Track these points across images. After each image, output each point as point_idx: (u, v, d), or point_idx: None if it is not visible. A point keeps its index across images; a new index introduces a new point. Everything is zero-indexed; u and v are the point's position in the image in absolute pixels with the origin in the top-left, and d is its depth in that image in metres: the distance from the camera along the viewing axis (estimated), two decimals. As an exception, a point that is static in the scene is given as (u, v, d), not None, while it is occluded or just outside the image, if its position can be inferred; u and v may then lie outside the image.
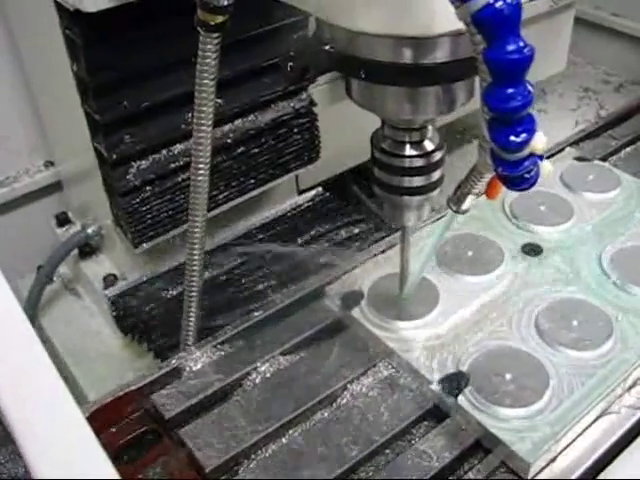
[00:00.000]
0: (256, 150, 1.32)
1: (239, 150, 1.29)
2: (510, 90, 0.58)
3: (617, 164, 1.36)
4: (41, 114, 1.49)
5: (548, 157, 1.31)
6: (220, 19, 0.84)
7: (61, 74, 1.16)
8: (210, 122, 0.94)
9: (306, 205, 1.54)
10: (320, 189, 1.57)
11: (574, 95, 2.16)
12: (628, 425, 0.87)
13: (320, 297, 1.07)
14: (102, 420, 0.92)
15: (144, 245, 1.27)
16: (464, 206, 0.85)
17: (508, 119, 0.60)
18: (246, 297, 1.31)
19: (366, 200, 1.69)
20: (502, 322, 0.99)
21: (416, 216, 0.90)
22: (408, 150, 0.83)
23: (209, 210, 1.02)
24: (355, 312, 1.03)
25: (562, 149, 1.36)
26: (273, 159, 1.35)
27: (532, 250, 1.11)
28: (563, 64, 1.98)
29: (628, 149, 1.41)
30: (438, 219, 1.15)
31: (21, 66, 1.43)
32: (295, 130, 1.36)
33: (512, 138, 0.61)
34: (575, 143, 1.41)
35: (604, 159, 1.36)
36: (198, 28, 0.86)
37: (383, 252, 1.13)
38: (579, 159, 1.32)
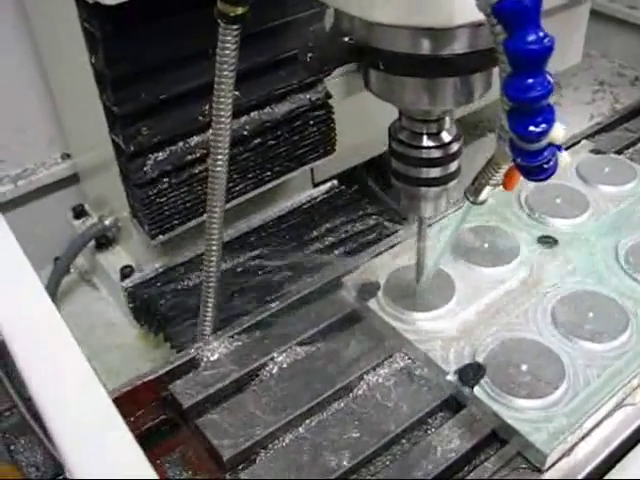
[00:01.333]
0: (272, 142, 1.32)
1: (255, 142, 1.30)
2: (530, 80, 0.58)
3: (633, 157, 1.35)
4: (58, 107, 1.50)
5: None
6: (240, 10, 0.84)
7: (79, 67, 1.17)
8: (229, 114, 0.94)
9: (321, 197, 1.55)
10: (335, 182, 1.58)
11: (589, 89, 2.15)
12: (645, 416, 0.88)
13: (337, 288, 1.08)
14: (120, 409, 0.92)
15: (161, 237, 1.28)
16: (481, 197, 0.85)
17: (528, 109, 0.60)
18: (263, 288, 1.31)
19: (381, 192, 1.69)
20: (518, 314, 0.99)
21: (433, 207, 0.90)
22: (425, 141, 0.83)
23: (226, 202, 1.03)
24: (371, 303, 1.03)
25: (578, 142, 1.36)
26: (289, 152, 1.36)
27: (548, 242, 1.11)
28: (579, 57, 1.98)
29: (644, 142, 1.41)
30: (455, 211, 1.15)
31: (39, 60, 1.44)
32: (311, 123, 1.36)
33: (531, 128, 0.61)
34: (591, 136, 1.40)
35: (620, 152, 1.35)
36: (218, 20, 0.86)
37: (399, 244, 1.13)
38: (595, 152, 1.32)
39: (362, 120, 1.42)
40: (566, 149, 1.30)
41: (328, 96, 1.37)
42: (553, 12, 1.74)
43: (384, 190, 1.69)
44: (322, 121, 1.37)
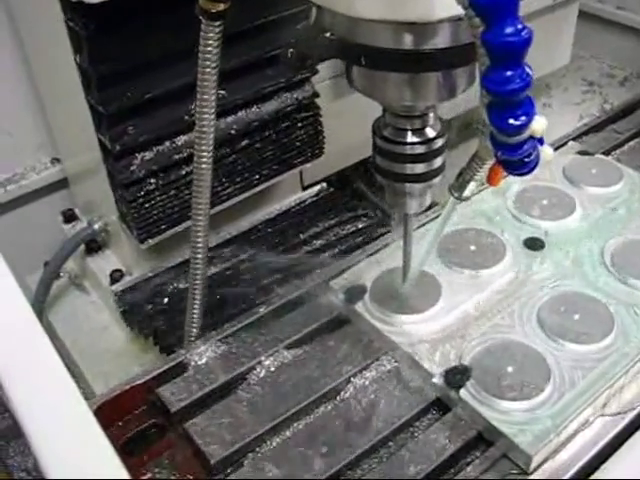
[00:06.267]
0: (260, 145, 1.32)
1: (243, 144, 1.30)
2: (508, 73, 0.58)
3: (620, 158, 1.36)
4: (46, 110, 1.50)
5: (551, 151, 1.31)
6: (221, 7, 0.84)
7: (65, 66, 1.16)
8: (213, 111, 0.94)
9: (310, 200, 1.55)
10: (324, 184, 1.58)
11: (578, 89, 2.16)
12: (629, 418, 0.88)
13: (324, 291, 1.08)
14: (108, 414, 0.93)
15: (150, 241, 1.27)
16: (466, 193, 0.85)
17: (507, 102, 0.61)
18: (252, 291, 1.31)
19: (371, 195, 1.70)
20: (504, 316, 1.00)
21: (418, 203, 0.90)
22: (410, 137, 0.83)
23: (214, 206, 1.03)
24: (358, 306, 1.03)
25: (565, 143, 1.37)
26: (277, 154, 1.36)
27: (534, 244, 1.11)
28: (567, 58, 1.98)
29: (631, 143, 1.42)
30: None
31: (26, 63, 1.44)
32: (299, 125, 1.36)
33: (511, 121, 0.61)
34: (578, 137, 1.41)
35: (607, 153, 1.36)
36: (199, 17, 0.85)
37: (386, 246, 1.14)
38: (582, 153, 1.32)
39: (351, 122, 1.41)
40: (554, 150, 1.31)
41: (316, 95, 1.36)
42: (541, 13, 1.75)
43: (374, 192, 1.69)
44: (310, 123, 1.37)
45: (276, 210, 1.51)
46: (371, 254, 1.13)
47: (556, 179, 1.25)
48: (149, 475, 0.89)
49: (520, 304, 1.01)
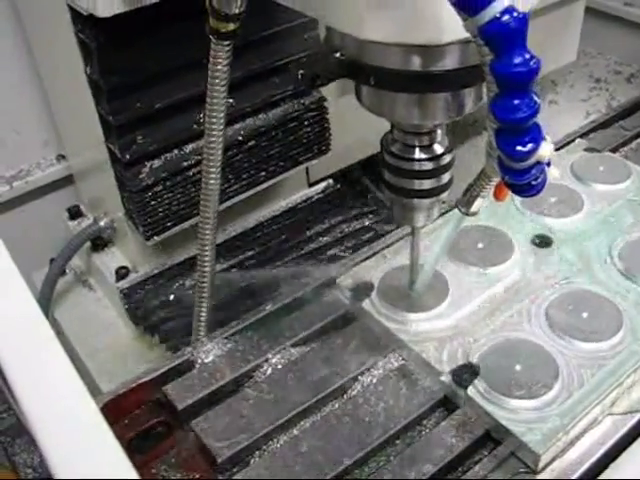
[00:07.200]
0: (267, 144, 1.32)
1: (250, 144, 1.30)
2: (516, 101, 0.59)
3: (628, 155, 1.35)
4: (53, 110, 1.50)
5: (558, 148, 1.31)
6: (232, 27, 0.85)
7: (74, 76, 1.17)
8: (222, 126, 0.95)
9: (317, 197, 1.55)
10: (331, 181, 1.58)
11: (585, 86, 2.15)
12: (638, 417, 0.88)
13: (331, 289, 1.08)
14: (115, 411, 0.93)
15: (155, 238, 1.27)
16: (473, 208, 0.86)
17: (515, 129, 0.61)
18: (258, 288, 1.31)
19: (377, 191, 1.69)
20: (512, 314, 0.99)
21: (426, 217, 0.91)
22: (418, 154, 0.84)
23: (220, 203, 1.03)
24: (365, 304, 1.03)
25: (572, 140, 1.36)
26: (283, 152, 1.36)
27: (542, 242, 1.11)
28: (574, 55, 1.97)
29: (639, 140, 1.41)
30: (447, 211, 1.15)
31: (34, 62, 1.44)
32: (305, 123, 1.36)
33: (519, 148, 0.62)
34: (585, 134, 1.40)
35: (614, 150, 1.35)
36: (209, 36, 0.86)
37: (393, 244, 1.13)
38: (589, 150, 1.32)
39: (357, 119, 1.41)
40: (561, 147, 1.31)
41: (322, 100, 1.37)
42: (547, 10, 1.74)
43: (380, 189, 1.68)
44: (316, 122, 1.37)
45: (282, 207, 1.52)
46: (378, 251, 1.12)
47: (564, 176, 1.24)
48: (155, 473, 0.88)
49: (528, 302, 1.01)
